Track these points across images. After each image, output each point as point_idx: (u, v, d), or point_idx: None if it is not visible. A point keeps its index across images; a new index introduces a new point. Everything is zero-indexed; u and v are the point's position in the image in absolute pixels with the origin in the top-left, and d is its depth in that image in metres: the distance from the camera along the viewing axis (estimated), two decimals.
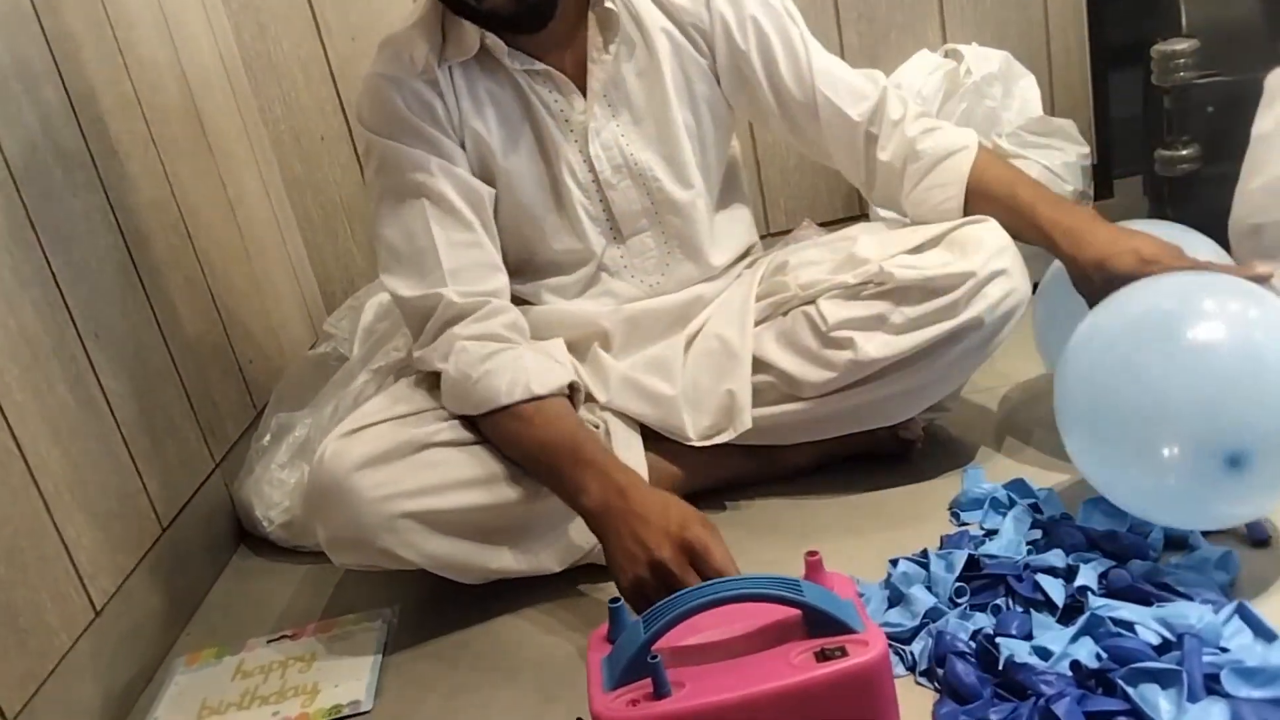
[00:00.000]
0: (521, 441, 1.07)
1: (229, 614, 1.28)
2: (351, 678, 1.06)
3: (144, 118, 1.40)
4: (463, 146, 1.16)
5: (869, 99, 1.21)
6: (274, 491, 1.36)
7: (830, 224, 1.74)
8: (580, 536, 1.12)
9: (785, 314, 1.21)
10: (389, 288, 1.15)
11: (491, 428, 1.09)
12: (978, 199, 1.17)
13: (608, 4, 1.15)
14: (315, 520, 1.08)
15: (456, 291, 1.11)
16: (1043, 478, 1.14)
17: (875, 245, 1.18)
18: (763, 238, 1.46)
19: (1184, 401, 0.89)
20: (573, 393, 1.12)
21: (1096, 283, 1.05)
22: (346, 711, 1.02)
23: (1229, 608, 0.87)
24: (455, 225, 1.14)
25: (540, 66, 1.17)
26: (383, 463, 1.05)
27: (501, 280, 1.16)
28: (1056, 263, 1.17)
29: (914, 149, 1.20)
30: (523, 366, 1.09)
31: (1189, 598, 0.89)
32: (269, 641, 1.16)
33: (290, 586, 1.30)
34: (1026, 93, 1.69)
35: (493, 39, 1.14)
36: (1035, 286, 1.18)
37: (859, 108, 1.21)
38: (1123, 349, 0.95)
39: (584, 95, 1.18)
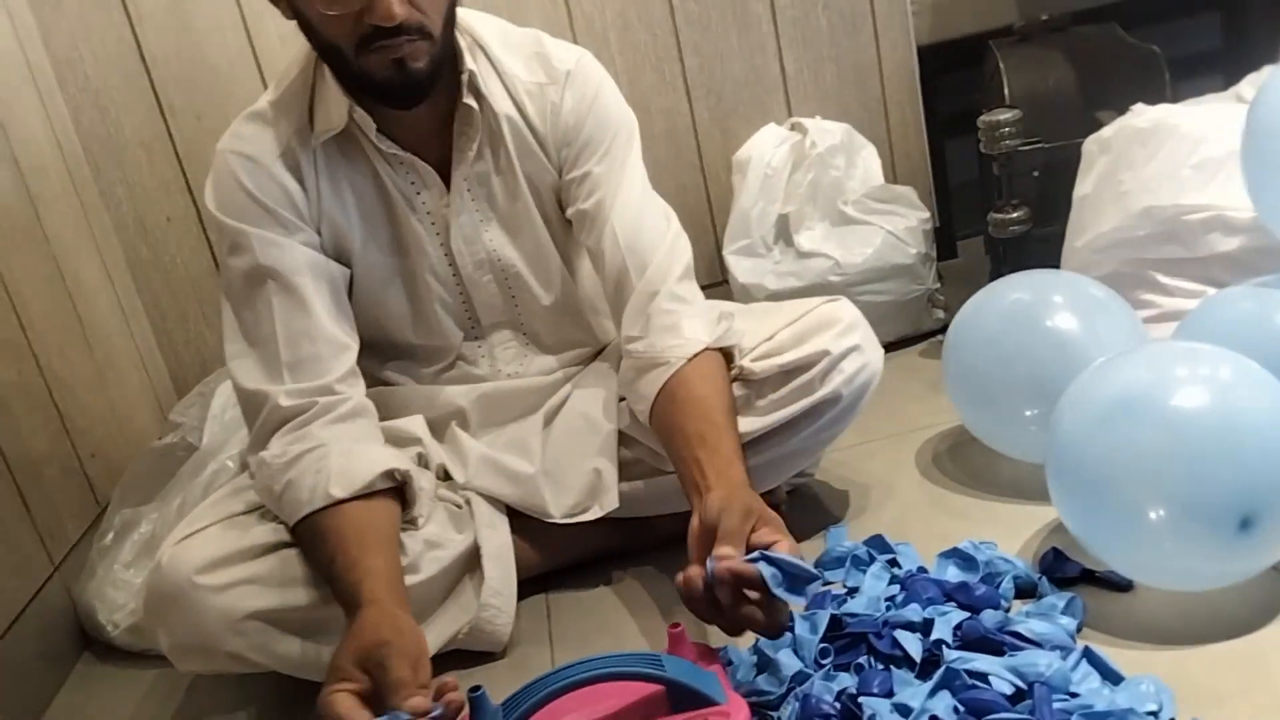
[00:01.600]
0: (311, 558, 1.02)
1: None
2: None
3: None
4: (319, 233, 1.13)
5: (645, 254, 1.15)
6: (118, 593, 1.29)
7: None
8: (443, 627, 1.10)
9: None
10: (231, 373, 1.10)
11: (299, 539, 1.04)
12: (661, 414, 1.09)
13: (466, 100, 1.12)
14: (157, 628, 1.02)
15: (286, 391, 1.06)
16: (901, 532, 1.17)
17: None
18: None
19: (1187, 469, 0.90)
20: (402, 478, 1.07)
21: (704, 521, 0.92)
22: None
23: (1076, 653, 0.90)
24: (300, 314, 1.09)
25: (405, 155, 1.14)
26: (224, 565, 1.00)
27: (345, 364, 1.11)
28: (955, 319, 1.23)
29: (628, 345, 1.13)
30: (324, 469, 1.02)
31: (1039, 645, 0.92)
32: None
33: (139, 693, 1.23)
34: (868, 162, 1.77)
35: (361, 114, 1.10)
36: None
37: (635, 257, 1.14)
38: (1112, 425, 0.95)
39: (448, 188, 1.17)
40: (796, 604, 0.83)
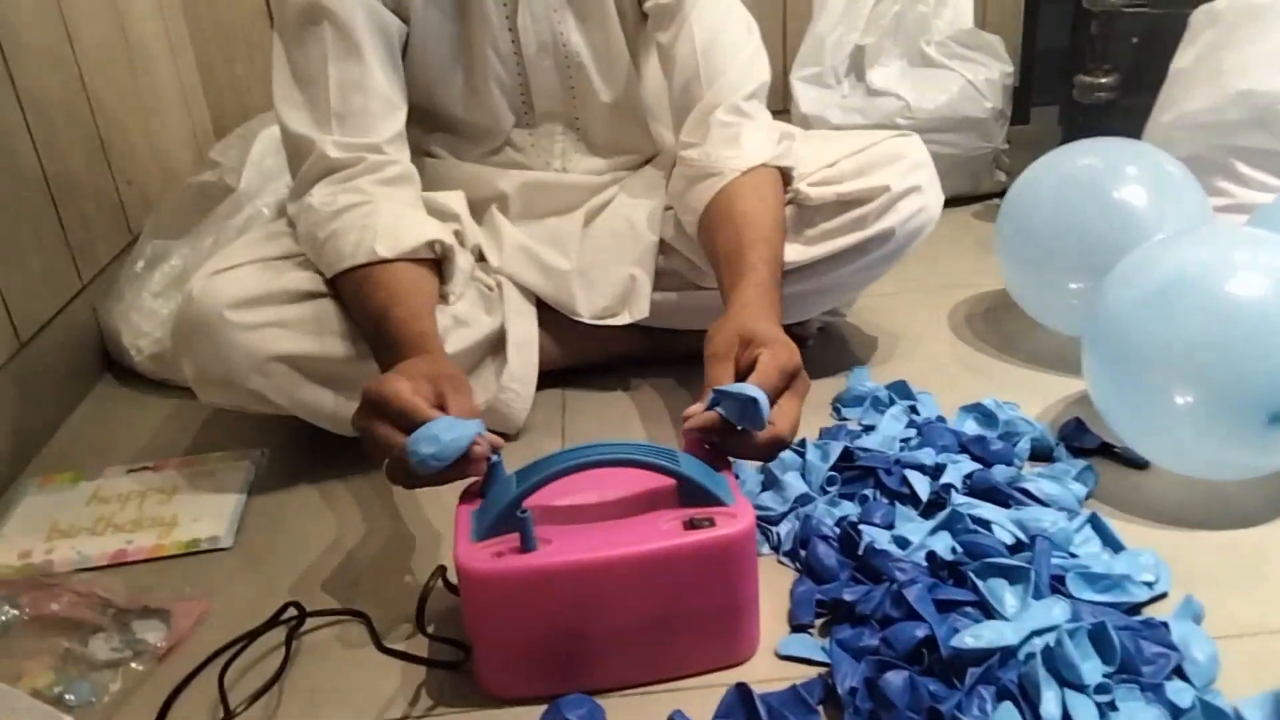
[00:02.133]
0: (358, 307, 1.00)
1: (89, 441, 1.23)
2: (213, 514, 1.03)
3: None
4: None
5: (720, 62, 1.11)
6: (144, 321, 1.30)
7: None
8: None
9: None
10: (278, 114, 1.07)
11: (341, 288, 1.02)
12: (706, 227, 1.08)
13: None
14: (183, 356, 1.03)
15: (334, 143, 1.03)
16: (925, 382, 1.16)
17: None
18: None
19: (1227, 357, 0.88)
20: (443, 252, 1.05)
21: (718, 343, 0.89)
22: (204, 546, 0.99)
23: (1082, 517, 0.90)
24: (354, 61, 1.05)
25: None
26: (256, 305, 1.00)
27: (394, 126, 1.07)
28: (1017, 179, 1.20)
29: (684, 152, 1.11)
30: (371, 226, 1.00)
31: (1046, 504, 0.92)
32: (129, 471, 1.12)
33: (156, 419, 1.26)
34: (960, 3, 1.68)
35: None
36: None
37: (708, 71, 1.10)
38: (1160, 302, 0.92)
39: None
40: (759, 427, 0.80)
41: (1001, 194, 1.29)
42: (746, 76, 1.11)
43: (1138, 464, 1.01)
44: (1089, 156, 1.19)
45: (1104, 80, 1.56)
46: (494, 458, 0.79)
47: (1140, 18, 1.52)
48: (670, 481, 0.78)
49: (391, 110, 1.08)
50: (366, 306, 0.98)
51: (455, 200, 1.17)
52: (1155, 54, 1.43)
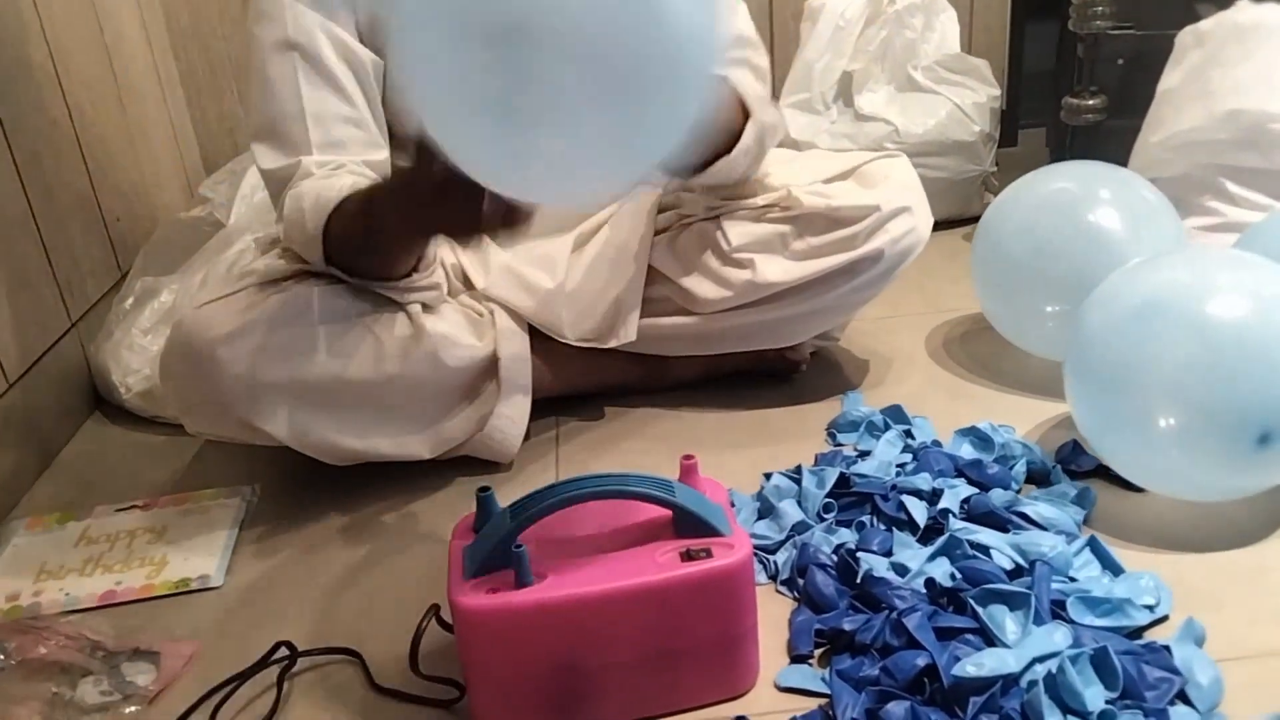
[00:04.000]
0: (348, 237, 0.98)
1: (78, 479, 1.22)
2: (203, 552, 1.02)
3: None
4: (355, 13, 1.06)
5: None
6: (134, 357, 1.29)
7: None
8: (454, 428, 1.09)
9: (687, 227, 1.18)
10: (255, 157, 1.06)
11: (333, 239, 1.00)
12: None
13: None
14: (170, 386, 1.02)
15: (317, 162, 1.02)
16: (918, 406, 1.16)
17: (786, 174, 1.16)
18: None
19: (1211, 378, 0.87)
20: None
21: None
22: (194, 585, 0.98)
23: (1081, 540, 0.90)
24: (329, 94, 1.04)
25: None
26: (247, 331, 0.99)
27: (375, 155, 1.06)
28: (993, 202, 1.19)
29: None
30: (364, 176, 1.00)
31: (1044, 528, 0.92)
32: (118, 510, 1.11)
33: (145, 457, 1.24)
34: (946, 27, 1.69)
35: None
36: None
37: None
38: (1142, 324, 0.91)
39: None
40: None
41: None
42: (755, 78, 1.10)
43: (1135, 486, 1.00)
44: (1062, 180, 1.19)
45: (1091, 102, 1.57)
46: (485, 493, 0.79)
47: (1126, 39, 1.53)
48: (666, 512, 0.78)
49: (370, 145, 1.06)
50: (357, 225, 0.96)
51: None
52: (1142, 75, 1.44)
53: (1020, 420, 1.12)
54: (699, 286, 1.16)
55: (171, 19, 1.66)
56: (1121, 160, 1.37)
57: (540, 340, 1.18)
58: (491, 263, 1.18)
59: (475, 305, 1.16)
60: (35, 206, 1.26)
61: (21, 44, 1.28)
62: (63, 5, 1.38)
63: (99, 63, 1.47)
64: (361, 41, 1.07)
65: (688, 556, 0.75)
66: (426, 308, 1.08)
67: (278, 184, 1.05)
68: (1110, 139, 1.54)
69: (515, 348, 1.13)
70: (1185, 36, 1.36)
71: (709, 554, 0.75)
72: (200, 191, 1.46)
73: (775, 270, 1.12)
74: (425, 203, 0.86)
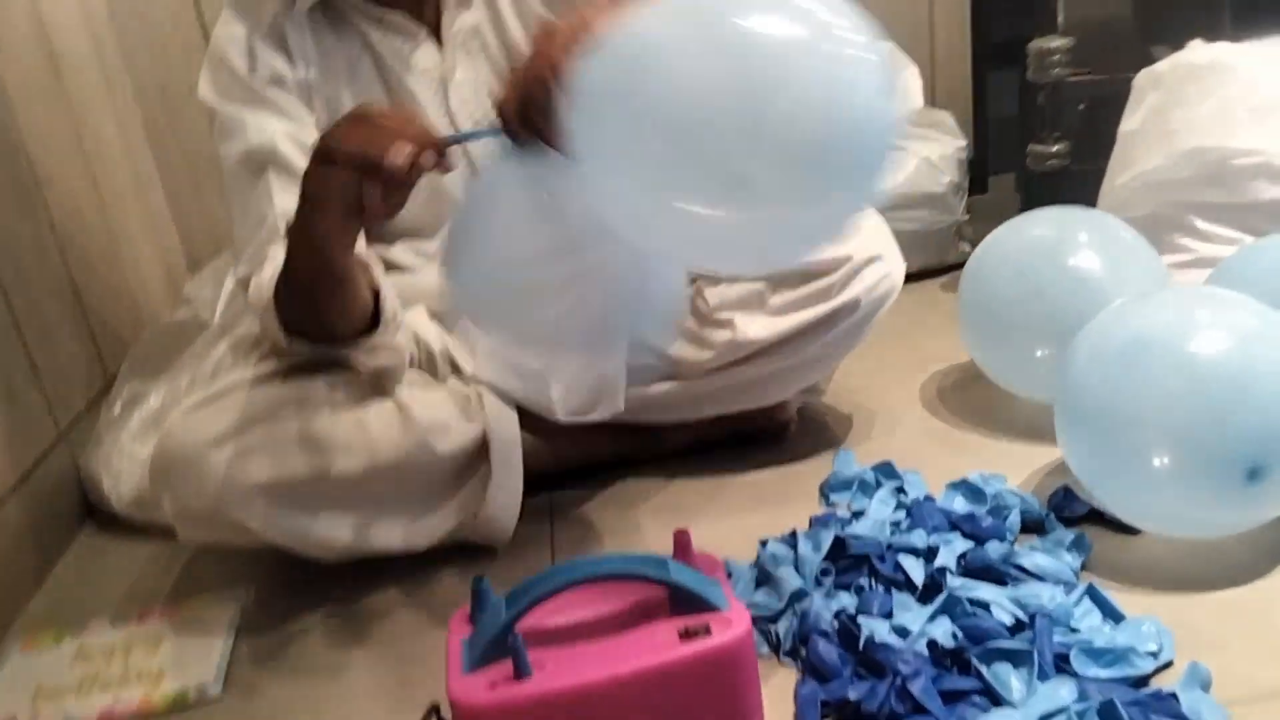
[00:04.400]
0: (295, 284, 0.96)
1: (72, 594, 1.20)
2: (200, 660, 1.01)
3: None
4: (313, 109, 1.10)
5: None
6: (124, 465, 1.29)
7: None
8: (447, 516, 1.09)
9: None
10: (237, 274, 1.07)
11: (280, 291, 0.98)
12: None
13: None
14: (162, 493, 1.02)
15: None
16: (907, 459, 1.16)
17: None
18: None
19: (1198, 416, 0.88)
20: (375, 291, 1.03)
21: None
22: (192, 697, 0.97)
23: (1079, 589, 0.89)
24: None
25: (393, 13, 1.10)
26: (236, 433, 0.99)
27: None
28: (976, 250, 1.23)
29: None
30: None
31: (1042, 579, 0.91)
32: (113, 624, 1.10)
33: (139, 565, 1.23)
34: (909, 83, 1.72)
35: None
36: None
37: None
38: (1127, 363, 0.93)
39: (439, 45, 1.13)
40: None
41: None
42: None
43: (1128, 528, 1.00)
44: (1041, 227, 1.22)
45: (1055, 148, 1.60)
46: (480, 583, 0.78)
47: (1084, 85, 1.56)
48: (662, 590, 0.77)
49: None
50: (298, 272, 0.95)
51: (414, 314, 1.16)
52: (1103, 119, 1.47)
53: (1012, 467, 1.12)
54: (681, 350, 1.17)
55: (149, 123, 1.68)
56: (1090, 203, 1.40)
57: (530, 417, 1.18)
58: (478, 346, 1.19)
59: (463, 389, 1.16)
60: (19, 317, 1.27)
61: (2, 157, 1.30)
62: (40, 113, 1.40)
63: (78, 170, 1.49)
64: (318, 127, 1.08)
65: (686, 635, 0.74)
66: (409, 392, 1.08)
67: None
68: (1077, 182, 1.56)
69: (505, 429, 1.13)
70: (1142, 79, 1.39)
71: (708, 630, 0.74)
72: (184, 293, 1.47)
73: (756, 327, 1.14)
74: (314, 178, 0.87)
